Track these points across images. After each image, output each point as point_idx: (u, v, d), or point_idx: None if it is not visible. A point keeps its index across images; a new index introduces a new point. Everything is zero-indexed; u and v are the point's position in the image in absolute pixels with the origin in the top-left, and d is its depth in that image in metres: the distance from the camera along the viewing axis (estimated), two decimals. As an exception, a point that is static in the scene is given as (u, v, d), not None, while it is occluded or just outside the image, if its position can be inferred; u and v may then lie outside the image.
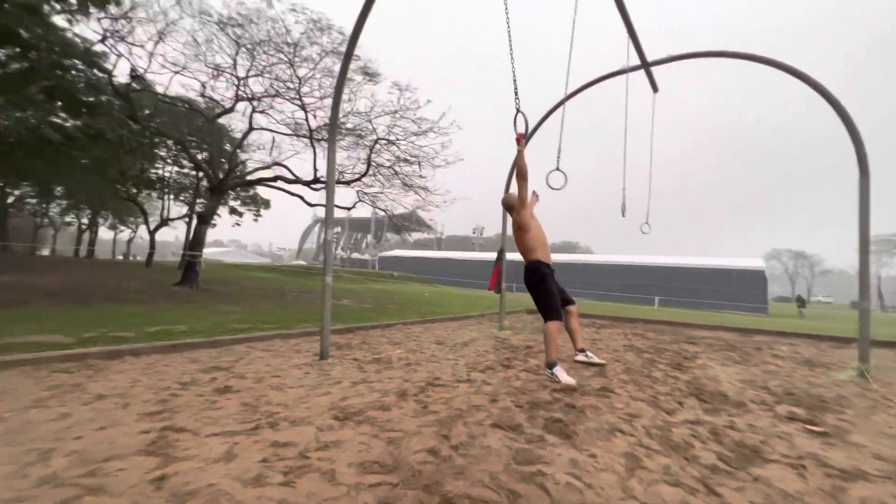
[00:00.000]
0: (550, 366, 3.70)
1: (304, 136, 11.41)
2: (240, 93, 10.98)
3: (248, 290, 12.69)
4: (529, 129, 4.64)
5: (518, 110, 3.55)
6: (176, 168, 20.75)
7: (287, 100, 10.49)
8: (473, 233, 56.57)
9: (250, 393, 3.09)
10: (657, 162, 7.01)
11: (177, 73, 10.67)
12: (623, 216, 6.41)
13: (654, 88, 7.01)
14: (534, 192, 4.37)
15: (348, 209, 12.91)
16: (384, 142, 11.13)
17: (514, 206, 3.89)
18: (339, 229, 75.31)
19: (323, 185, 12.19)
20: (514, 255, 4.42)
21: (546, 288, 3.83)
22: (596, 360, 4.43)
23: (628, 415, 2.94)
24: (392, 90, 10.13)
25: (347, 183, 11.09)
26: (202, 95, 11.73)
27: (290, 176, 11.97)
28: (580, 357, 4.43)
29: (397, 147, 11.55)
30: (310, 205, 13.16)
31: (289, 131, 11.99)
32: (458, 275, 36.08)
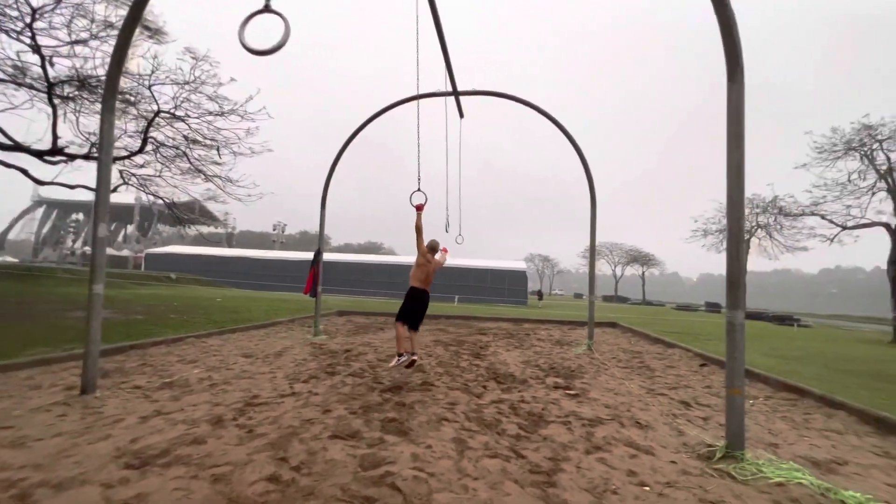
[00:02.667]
0: (412, 355, 4.51)
1: (27, 87, 8.20)
2: None
3: None
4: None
5: (418, 188, 5.07)
6: None
7: (3, 31, 7.32)
8: (274, 229, 51.73)
9: (-39, 459, 2.11)
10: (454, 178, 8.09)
11: None
12: (447, 232, 7.26)
13: (461, 114, 8.07)
14: (444, 249, 5.33)
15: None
16: (168, 115, 9.10)
17: (437, 250, 5.04)
18: (79, 216, 56.80)
19: (64, 159, 9.06)
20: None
21: (408, 304, 4.71)
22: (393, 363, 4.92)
23: (449, 404, 3.34)
24: (183, 57, 8.38)
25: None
26: None
27: (2, 139, 8.40)
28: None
29: (186, 125, 9.62)
30: (38, 182, 9.56)
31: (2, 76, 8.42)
32: (256, 276, 32.35)
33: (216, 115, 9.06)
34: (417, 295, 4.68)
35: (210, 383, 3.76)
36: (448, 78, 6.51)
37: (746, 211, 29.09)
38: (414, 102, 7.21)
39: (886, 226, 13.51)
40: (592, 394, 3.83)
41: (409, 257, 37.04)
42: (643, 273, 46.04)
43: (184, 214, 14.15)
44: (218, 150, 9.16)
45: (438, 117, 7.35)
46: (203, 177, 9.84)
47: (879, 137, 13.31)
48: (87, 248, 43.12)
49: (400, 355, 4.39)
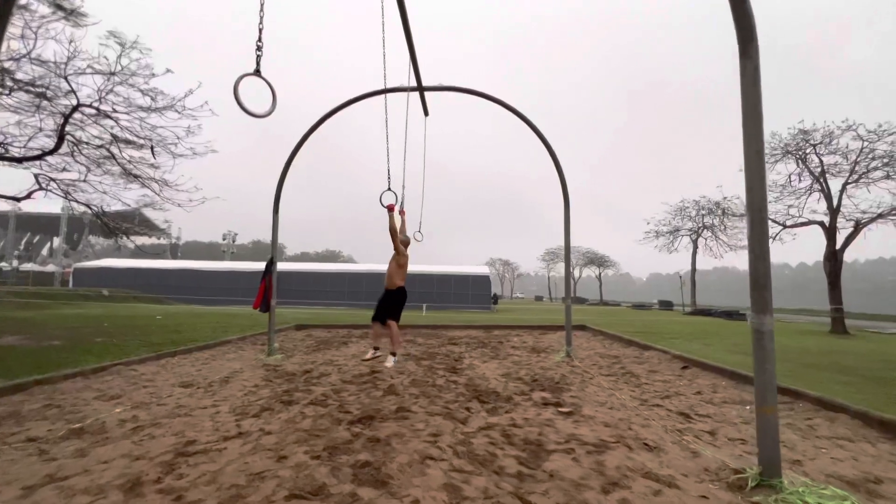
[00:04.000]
0: (395, 353, 5.26)
1: None
2: None
3: None
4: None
5: (389, 188, 5.21)
6: None
7: None
8: (224, 239, 48.68)
9: None
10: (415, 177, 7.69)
11: None
12: (418, 240, 7.03)
13: (426, 112, 7.64)
14: (402, 212, 5.69)
15: (17, 200, 8.62)
16: (91, 111, 7.98)
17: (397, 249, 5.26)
18: (-6, 228, 50.70)
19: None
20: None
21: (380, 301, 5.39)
22: (389, 364, 5.21)
23: (432, 435, 2.85)
24: (107, 42, 7.33)
25: (18, 160, 7.27)
26: None
27: None
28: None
29: (115, 122, 8.52)
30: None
31: None
32: (205, 290, 30.03)
33: (149, 110, 8.06)
34: (387, 293, 5.24)
35: (134, 426, 3.04)
36: (413, 73, 6.07)
37: (693, 213, 30.56)
38: (374, 102, 6.73)
39: (822, 224, 14.50)
40: (586, 410, 3.48)
41: (368, 265, 36.04)
42: (600, 274, 47.58)
43: (118, 224, 12.72)
44: (152, 149, 8.16)
45: (398, 118, 6.91)
46: (137, 181, 8.74)
47: (812, 142, 14.30)
48: (5, 264, 38.39)
49: (375, 349, 5.25)
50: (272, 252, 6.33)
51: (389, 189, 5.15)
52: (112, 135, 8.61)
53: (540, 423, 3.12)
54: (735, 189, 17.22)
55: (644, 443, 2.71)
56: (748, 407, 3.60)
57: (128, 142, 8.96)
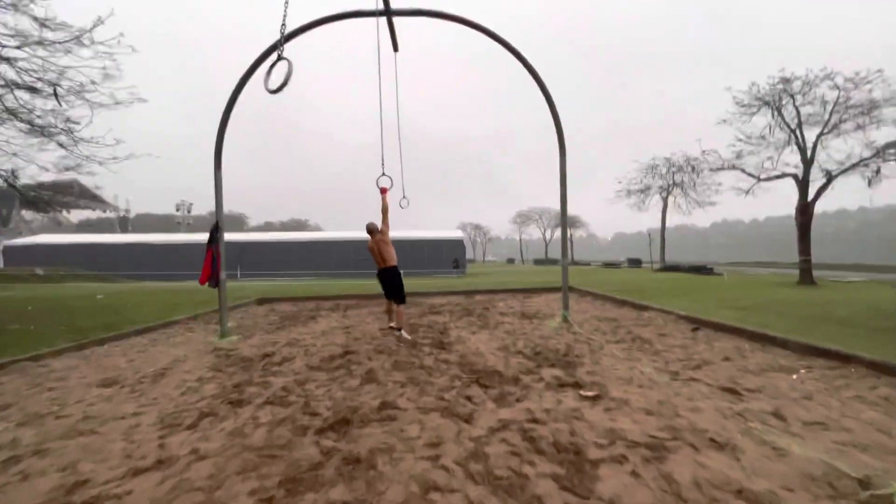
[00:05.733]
0: (400, 329, 5.07)
1: None
2: None
3: None
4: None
5: (383, 173, 5.50)
6: None
7: None
8: (178, 210, 45.30)
9: None
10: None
11: None
12: (403, 206, 6.60)
13: (395, 47, 6.50)
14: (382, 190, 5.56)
15: None
16: (-30, 46, 6.31)
17: (377, 231, 5.29)
18: None
19: None
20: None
21: (402, 282, 5.31)
22: (406, 336, 5.08)
23: (430, 445, 2.12)
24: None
25: None
26: None
27: None
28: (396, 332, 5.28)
29: (6, 61, 6.85)
30: None
31: None
32: (157, 265, 27.81)
33: (45, 44, 6.48)
34: (380, 275, 5.30)
35: (7, 457, 2.15)
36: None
37: (663, 171, 30.52)
38: (327, 67, 5.52)
39: (795, 177, 14.50)
40: (614, 391, 2.85)
41: (336, 233, 34.58)
42: (570, 235, 48.02)
43: (44, 195, 11.00)
44: (55, 92, 6.64)
45: (365, 75, 5.77)
46: (41, 135, 7.22)
47: (790, 91, 14.00)
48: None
49: (390, 321, 5.42)
50: (217, 216, 5.27)
51: (384, 174, 5.53)
52: (5, 80, 6.98)
53: (565, 414, 2.46)
54: (713, 143, 16.93)
55: (710, 439, 2.09)
56: (795, 375, 3.08)
57: (31, 90, 7.34)
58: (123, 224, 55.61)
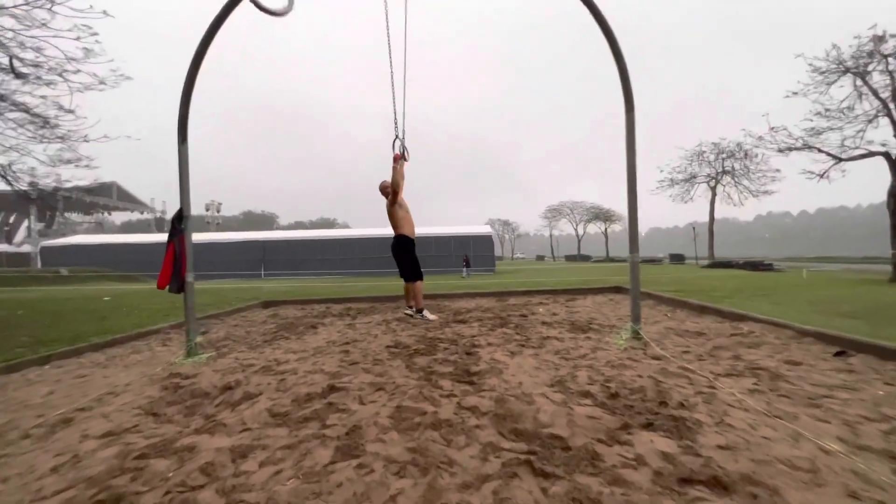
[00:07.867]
0: (420, 311, 5.34)
1: None
2: None
3: None
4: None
5: (397, 136, 5.16)
6: None
7: None
8: (207, 210, 46.02)
9: None
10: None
11: None
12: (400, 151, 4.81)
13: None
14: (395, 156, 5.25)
15: None
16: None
17: (388, 194, 5.27)
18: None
19: None
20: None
21: (415, 256, 5.38)
22: (429, 316, 5.25)
23: None
24: None
25: None
26: None
27: None
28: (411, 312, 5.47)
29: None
30: None
31: None
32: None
33: (4, 7, 5.60)
34: (392, 248, 5.32)
35: None
36: None
37: (711, 158, 28.17)
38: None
39: (886, 155, 12.25)
40: (790, 496, 1.46)
41: (360, 230, 33.85)
42: (606, 230, 45.53)
43: (79, 199, 10.47)
44: (11, 64, 5.76)
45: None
46: (17, 110, 6.41)
47: (886, 53, 11.77)
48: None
49: (409, 307, 5.57)
50: (181, 201, 4.16)
51: (398, 137, 5.13)
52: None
53: None
54: (783, 118, 14.73)
55: None
56: None
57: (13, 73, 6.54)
58: (160, 225, 57.42)
